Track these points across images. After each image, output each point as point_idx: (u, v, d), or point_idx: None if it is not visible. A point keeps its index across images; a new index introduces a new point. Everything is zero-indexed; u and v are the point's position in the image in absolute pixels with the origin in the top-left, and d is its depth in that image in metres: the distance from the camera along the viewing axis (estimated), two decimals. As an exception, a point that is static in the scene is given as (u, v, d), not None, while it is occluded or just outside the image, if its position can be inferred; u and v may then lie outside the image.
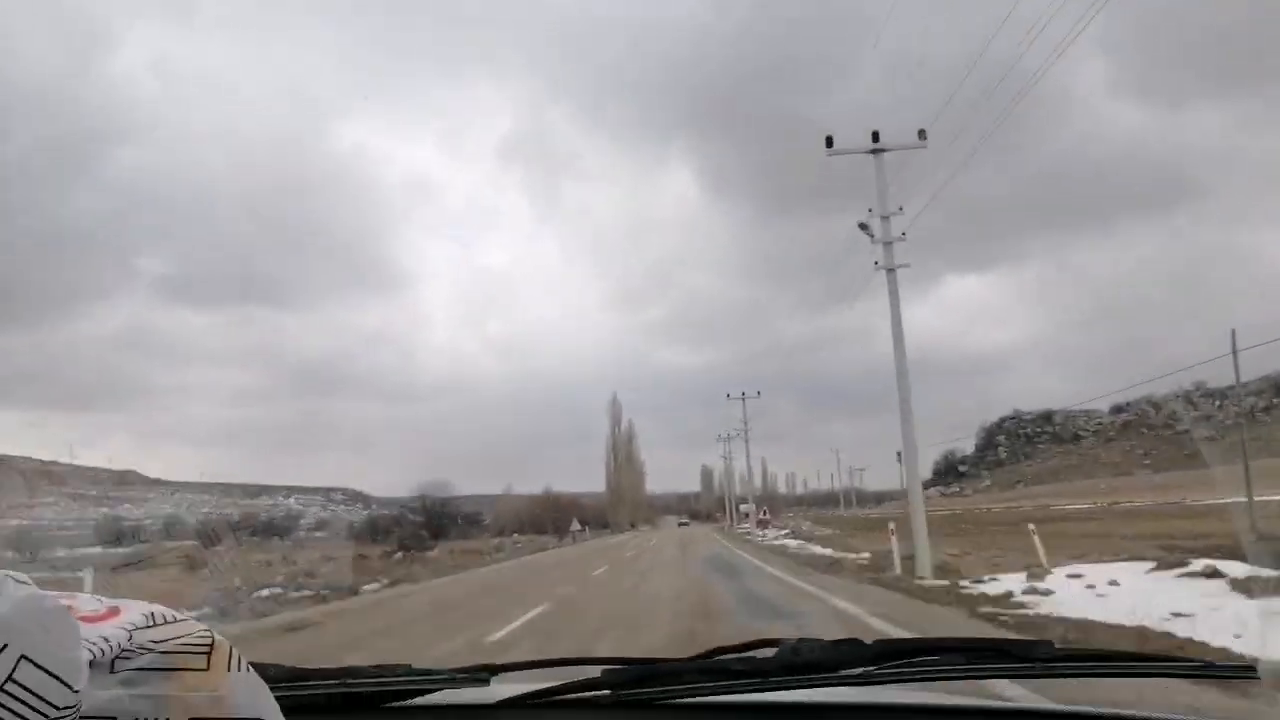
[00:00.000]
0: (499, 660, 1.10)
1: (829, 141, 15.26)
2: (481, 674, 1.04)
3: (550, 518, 69.11)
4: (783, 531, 41.91)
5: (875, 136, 15.19)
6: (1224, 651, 5.29)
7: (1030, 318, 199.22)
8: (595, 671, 1.00)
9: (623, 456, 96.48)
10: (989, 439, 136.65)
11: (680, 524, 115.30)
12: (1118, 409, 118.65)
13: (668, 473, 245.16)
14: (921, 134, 15.01)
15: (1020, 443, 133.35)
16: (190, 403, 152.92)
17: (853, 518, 66.97)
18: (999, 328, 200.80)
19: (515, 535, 60.58)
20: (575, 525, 60.50)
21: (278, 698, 0.58)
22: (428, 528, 78.25)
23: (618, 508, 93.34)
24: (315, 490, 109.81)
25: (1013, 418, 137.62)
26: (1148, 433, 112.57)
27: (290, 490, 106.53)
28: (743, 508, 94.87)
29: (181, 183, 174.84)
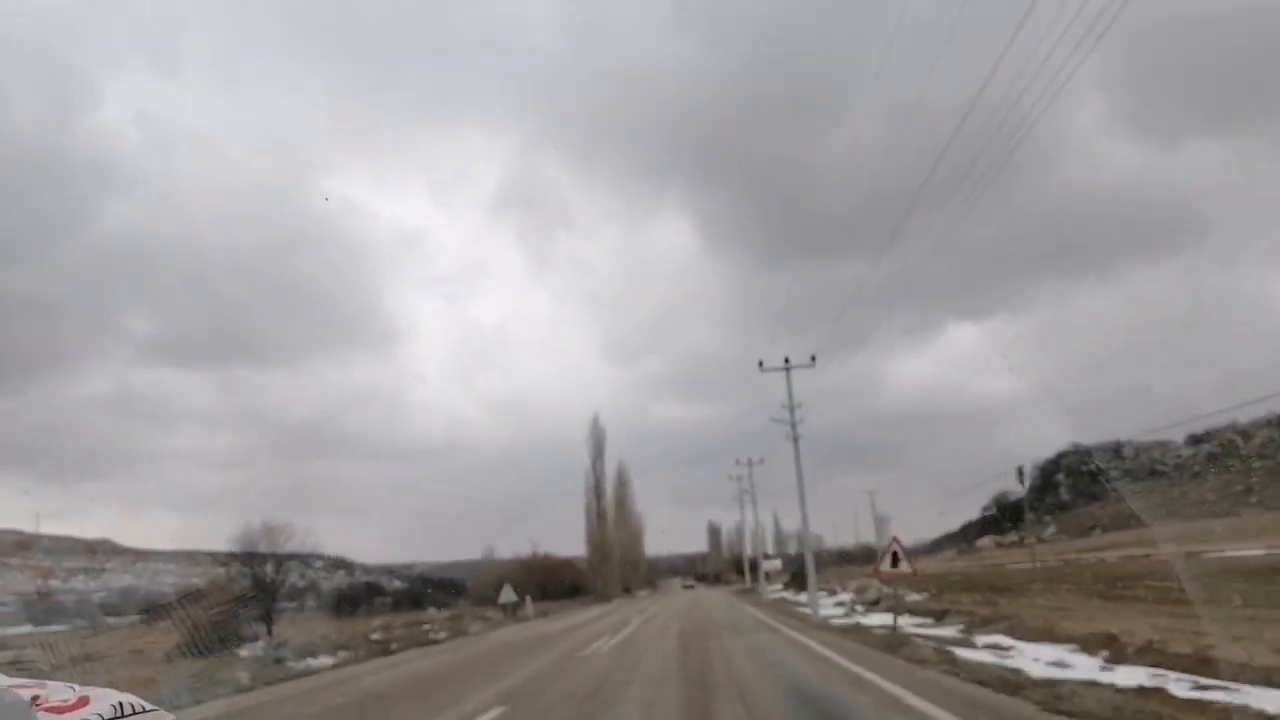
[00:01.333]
0: None
1: (760, 364, 26.59)
2: None
3: (536, 582, 56.93)
4: (856, 601, 25.07)
5: (786, 360, 26.19)
6: None
7: (1037, 363, 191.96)
8: None
9: (607, 501, 71.18)
10: (1045, 479, 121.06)
11: (685, 586, 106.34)
12: (1196, 439, 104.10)
13: (670, 534, 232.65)
14: (813, 358, 26.47)
15: (1085, 481, 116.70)
16: (174, 466, 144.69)
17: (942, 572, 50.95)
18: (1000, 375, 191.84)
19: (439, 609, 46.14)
20: (507, 594, 35.99)
21: None
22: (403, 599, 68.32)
23: (603, 568, 68.30)
24: (293, 557, 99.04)
25: (1072, 452, 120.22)
26: (1240, 465, 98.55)
27: (266, 558, 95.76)
28: (766, 565, 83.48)
29: (166, 239, 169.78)
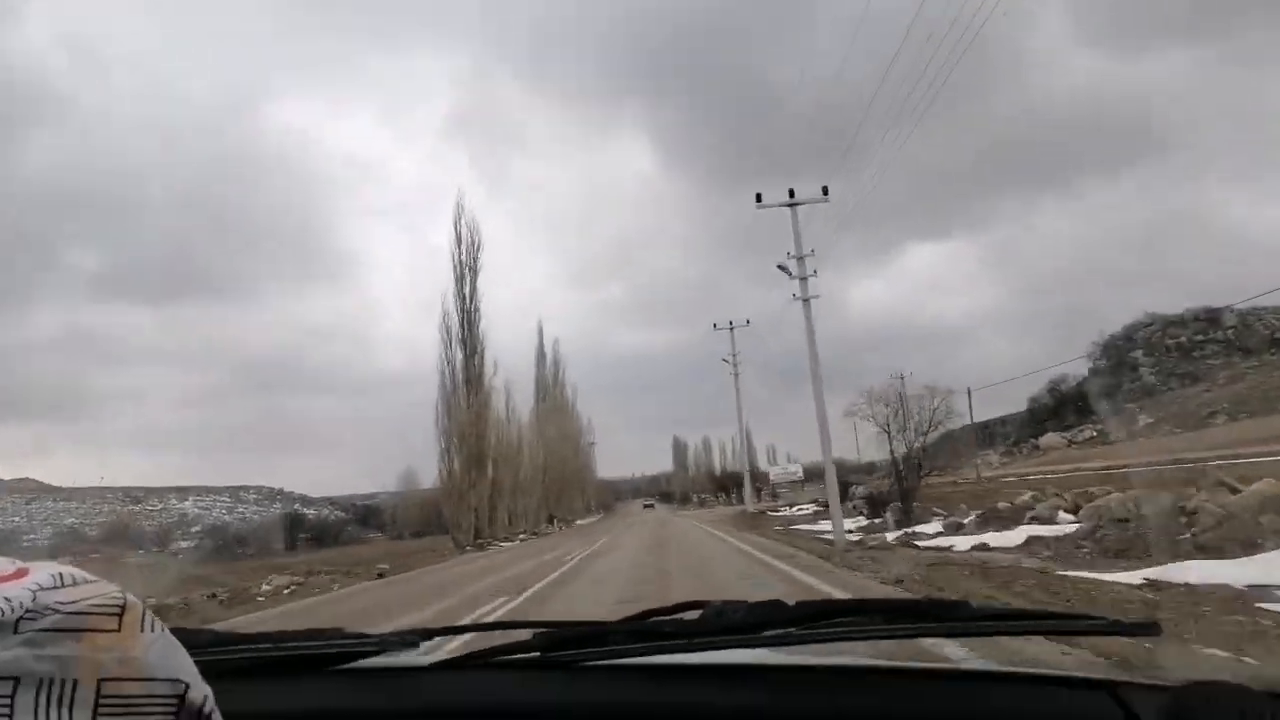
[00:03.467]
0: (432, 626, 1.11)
1: (758, 198, 19.26)
2: (413, 638, 1.05)
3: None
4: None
5: (791, 193, 19.04)
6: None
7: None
8: (526, 634, 1.02)
9: (552, 403, 59.85)
10: (1117, 357, 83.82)
11: (645, 505, 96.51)
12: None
13: (630, 458, 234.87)
14: (825, 190, 19.20)
15: (1173, 359, 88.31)
16: (127, 405, 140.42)
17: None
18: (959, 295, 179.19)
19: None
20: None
21: (205, 661, 0.58)
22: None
23: (554, 490, 57.40)
24: (223, 490, 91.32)
25: (1148, 324, 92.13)
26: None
27: (190, 491, 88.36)
28: (776, 473, 66.46)
29: (104, 171, 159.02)
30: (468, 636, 1.15)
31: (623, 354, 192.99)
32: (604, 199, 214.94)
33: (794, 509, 38.54)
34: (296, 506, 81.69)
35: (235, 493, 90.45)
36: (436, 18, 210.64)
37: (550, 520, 53.56)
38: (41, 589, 0.53)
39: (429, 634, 1.08)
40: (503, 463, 40.89)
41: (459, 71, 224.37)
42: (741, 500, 55.08)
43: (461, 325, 36.44)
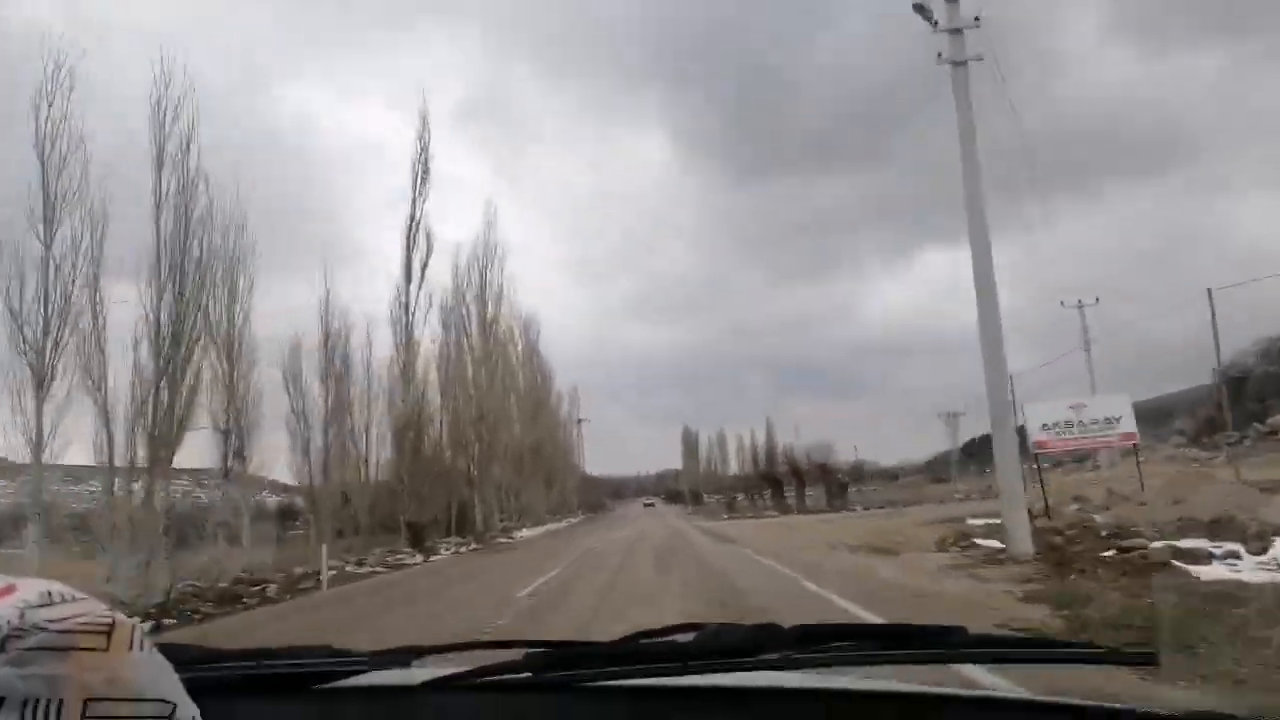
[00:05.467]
0: (422, 644, 1.10)
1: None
2: (403, 656, 1.04)
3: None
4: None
5: None
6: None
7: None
8: (518, 654, 1.00)
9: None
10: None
11: (645, 504, 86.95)
12: None
13: (637, 458, 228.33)
14: None
15: None
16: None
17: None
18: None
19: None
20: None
21: (192, 679, 0.57)
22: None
23: (526, 480, 42.27)
24: (182, 472, 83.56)
25: None
26: None
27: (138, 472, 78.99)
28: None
29: (106, 149, 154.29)
30: (458, 655, 1.15)
31: (631, 351, 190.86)
32: (617, 191, 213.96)
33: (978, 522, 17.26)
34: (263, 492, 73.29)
35: (195, 476, 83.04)
36: (455, 3, 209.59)
37: (458, 530, 31.42)
38: (29, 606, 0.52)
39: (419, 652, 1.06)
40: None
41: (475, 57, 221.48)
42: (802, 503, 39.41)
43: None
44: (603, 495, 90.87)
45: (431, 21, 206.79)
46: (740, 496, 61.55)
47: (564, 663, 1.00)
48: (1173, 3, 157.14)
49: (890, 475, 72.26)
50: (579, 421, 66.65)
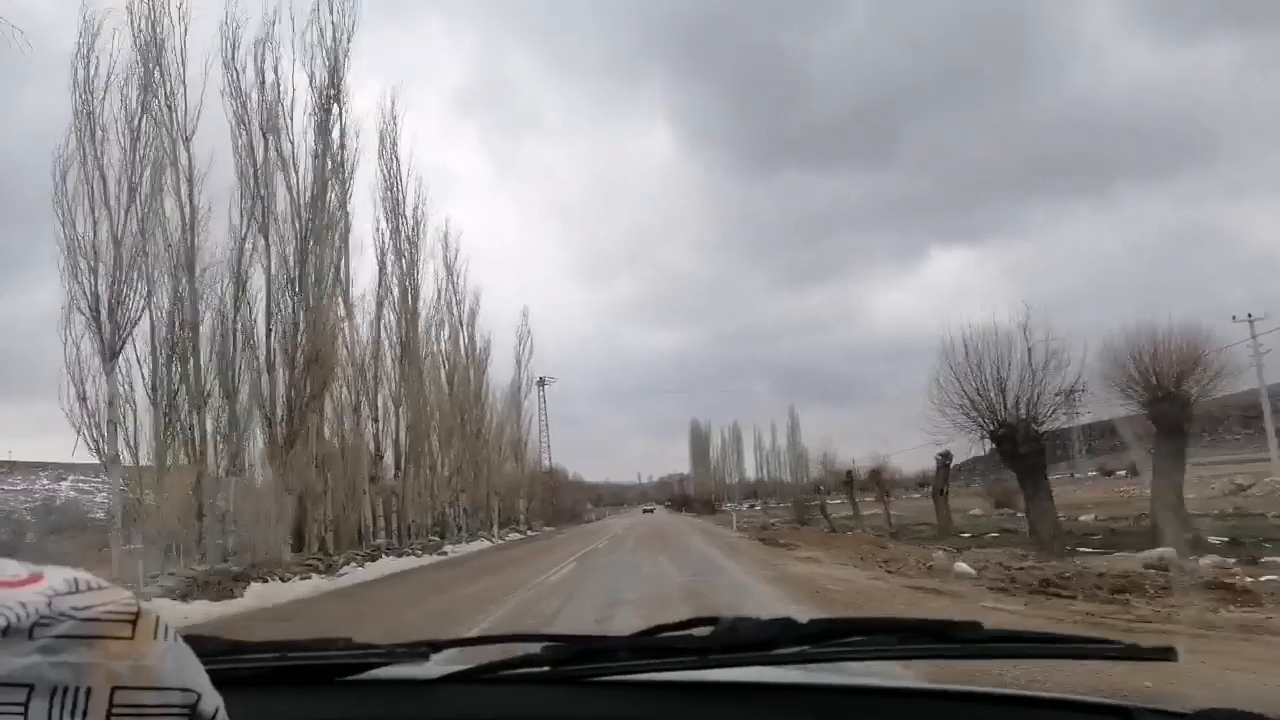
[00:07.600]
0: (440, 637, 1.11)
1: None
2: (422, 649, 1.04)
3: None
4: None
5: None
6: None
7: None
8: (536, 648, 1.01)
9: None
10: None
11: (645, 510, 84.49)
12: None
13: (638, 461, 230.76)
14: None
15: None
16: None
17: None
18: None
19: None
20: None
21: (214, 670, 0.57)
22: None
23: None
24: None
25: None
26: None
27: (75, 470, 62.00)
28: None
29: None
30: (477, 649, 1.15)
31: (633, 354, 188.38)
32: (618, 187, 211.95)
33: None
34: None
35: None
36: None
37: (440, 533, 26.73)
38: (57, 594, 0.53)
39: (438, 645, 1.07)
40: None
41: (472, 45, 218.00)
42: (855, 518, 28.27)
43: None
44: (583, 503, 77.46)
45: (426, 10, 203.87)
46: (775, 509, 48.42)
47: (582, 657, 1.00)
48: None
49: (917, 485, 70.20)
50: (539, 384, 51.06)
